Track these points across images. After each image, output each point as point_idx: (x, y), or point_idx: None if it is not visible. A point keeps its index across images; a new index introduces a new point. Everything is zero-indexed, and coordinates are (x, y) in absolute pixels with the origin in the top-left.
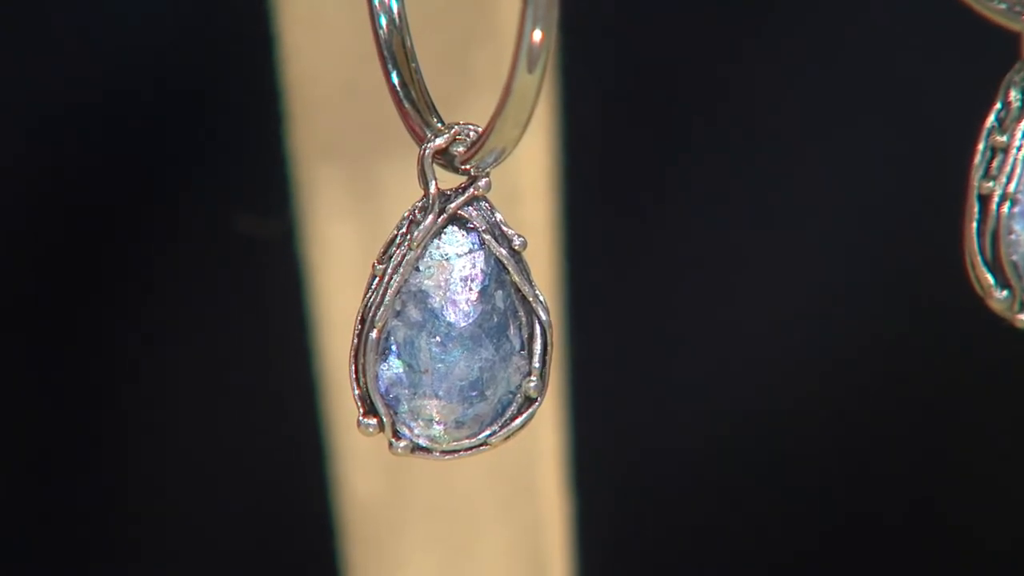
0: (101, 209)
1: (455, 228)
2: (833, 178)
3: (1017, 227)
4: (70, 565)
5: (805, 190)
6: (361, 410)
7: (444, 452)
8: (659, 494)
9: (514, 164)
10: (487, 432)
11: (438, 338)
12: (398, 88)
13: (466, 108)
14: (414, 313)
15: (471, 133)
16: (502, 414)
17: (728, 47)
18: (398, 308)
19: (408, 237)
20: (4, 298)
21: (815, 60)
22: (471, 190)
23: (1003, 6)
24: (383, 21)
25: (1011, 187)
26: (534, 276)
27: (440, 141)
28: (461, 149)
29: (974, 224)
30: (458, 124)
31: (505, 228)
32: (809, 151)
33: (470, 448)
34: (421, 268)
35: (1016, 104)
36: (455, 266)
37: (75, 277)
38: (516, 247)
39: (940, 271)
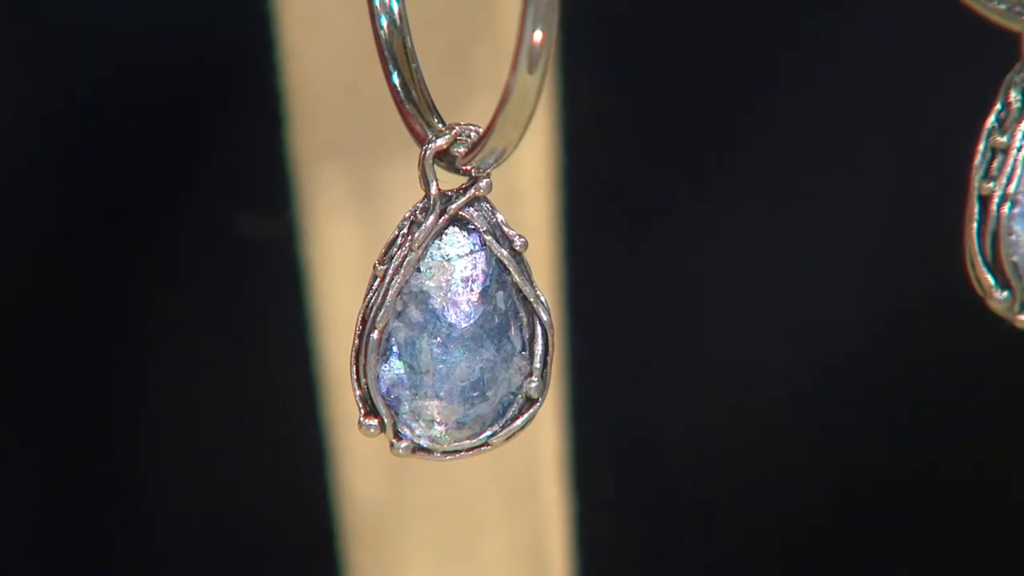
0: (101, 209)
1: (456, 229)
2: (834, 179)
3: (1017, 228)
4: (68, 565)
5: (806, 191)
6: (362, 411)
7: (445, 453)
8: (660, 495)
9: (515, 165)
10: (488, 433)
11: (439, 339)
12: (399, 89)
13: (467, 109)
14: (415, 314)
15: (472, 134)
16: (503, 415)
17: (728, 47)
18: (399, 309)
19: (409, 238)
20: (3, 298)
21: (815, 60)
22: (472, 191)
23: (1003, 7)
24: (384, 22)
25: (1011, 188)
26: (535, 277)
27: (441, 142)
28: (462, 150)
29: (974, 225)
30: (459, 125)
31: (506, 229)
32: (809, 152)
33: (471, 449)
34: (422, 269)
35: (1016, 105)
36: (456, 267)
37: (75, 278)
38: (517, 248)
39: (940, 272)
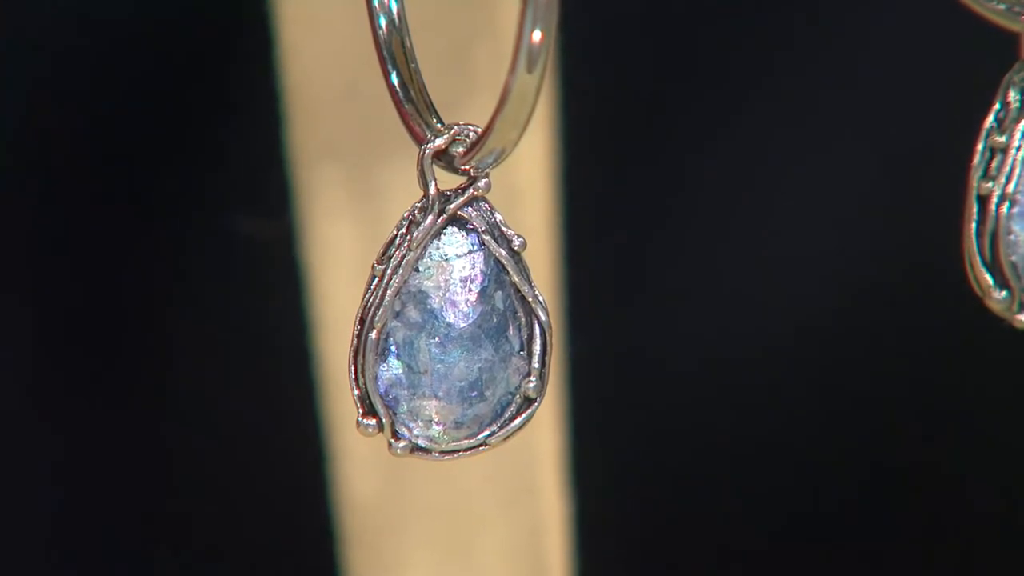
0: (101, 209)
1: (455, 229)
2: (832, 178)
3: (1016, 227)
4: (66, 563)
5: (805, 190)
6: (360, 411)
7: (443, 453)
8: (659, 494)
9: (514, 164)
10: (486, 433)
11: (437, 339)
12: (398, 89)
13: (466, 109)
14: (413, 314)
15: (470, 134)
16: (501, 415)
17: (728, 44)
18: (397, 309)
19: (408, 238)
20: (4, 297)
21: (815, 59)
22: (471, 191)
23: (1002, 7)
24: (383, 22)
25: (1010, 187)
26: (534, 276)
27: (440, 142)
28: (460, 150)
29: (973, 225)
30: (457, 125)
31: (505, 228)
32: (809, 151)
33: (469, 449)
34: (421, 269)
35: (1015, 105)
36: (455, 267)
37: (75, 278)
38: (516, 248)
39: (939, 271)
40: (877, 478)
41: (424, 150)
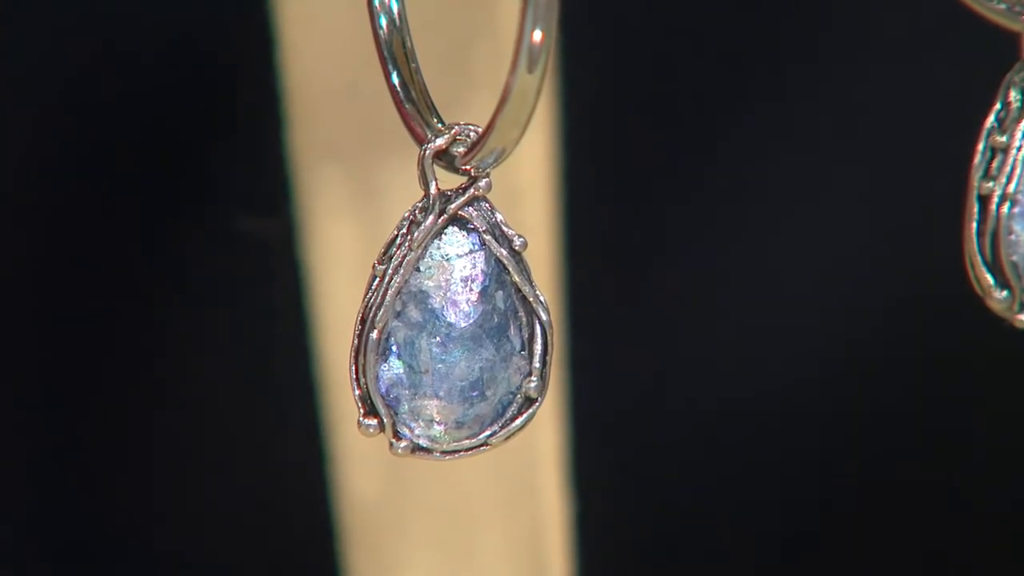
0: (101, 209)
1: (455, 228)
2: (833, 179)
3: (1017, 227)
4: (65, 563)
5: (805, 191)
6: (361, 411)
7: (444, 452)
8: (659, 495)
9: (514, 164)
10: (487, 432)
11: (438, 338)
12: (398, 88)
13: (466, 108)
14: (414, 314)
15: (471, 133)
16: (502, 414)
17: (728, 45)
18: (398, 309)
19: (408, 238)
20: (5, 296)
21: (815, 60)
22: (471, 190)
23: (1003, 6)
24: (383, 22)
25: (1011, 187)
26: (534, 276)
27: (440, 142)
28: (461, 149)
29: (974, 224)
30: (458, 124)
31: (505, 228)
32: (809, 151)
33: (470, 448)
34: (421, 269)
35: (1016, 104)
36: (455, 266)
37: (73, 278)
38: (516, 247)
39: (940, 272)
40: (877, 479)
41: (425, 150)
